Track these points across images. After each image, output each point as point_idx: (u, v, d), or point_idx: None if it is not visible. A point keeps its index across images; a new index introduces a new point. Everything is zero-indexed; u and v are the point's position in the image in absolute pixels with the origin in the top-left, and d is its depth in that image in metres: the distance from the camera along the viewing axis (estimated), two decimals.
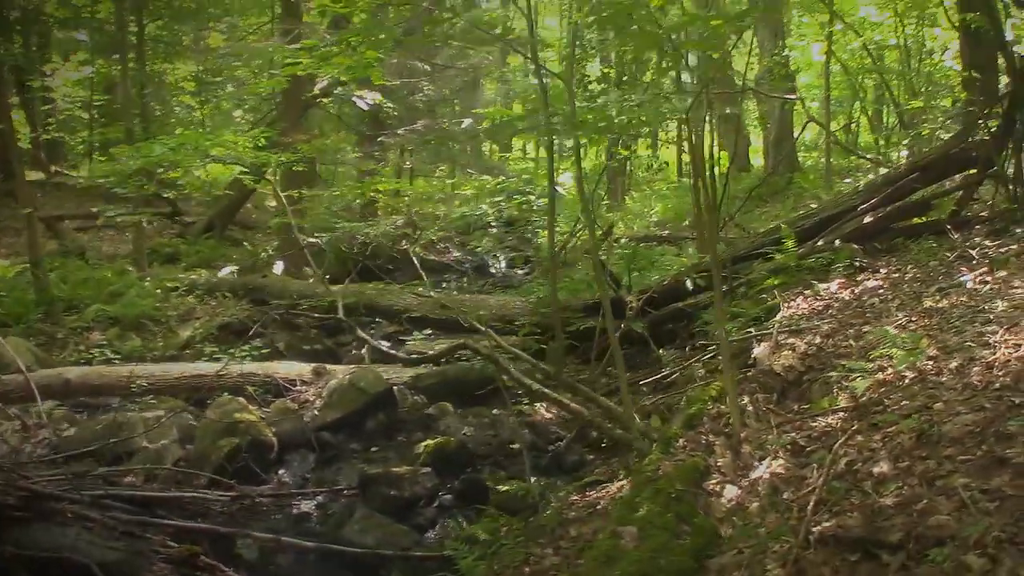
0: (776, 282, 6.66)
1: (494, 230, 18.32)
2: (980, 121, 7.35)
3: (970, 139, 7.31)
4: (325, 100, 13.70)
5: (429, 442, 6.80)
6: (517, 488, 5.57)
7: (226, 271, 12.89)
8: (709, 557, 3.66)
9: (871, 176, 14.25)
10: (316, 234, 11.29)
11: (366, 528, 5.59)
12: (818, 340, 5.44)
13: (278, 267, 13.37)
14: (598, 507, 5.06)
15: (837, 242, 6.93)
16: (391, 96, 13.94)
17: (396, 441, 7.36)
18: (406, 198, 12.22)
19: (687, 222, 15.01)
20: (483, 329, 6.26)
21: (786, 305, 6.29)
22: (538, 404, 7.75)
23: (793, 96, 13.11)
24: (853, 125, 17.94)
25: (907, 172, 7.18)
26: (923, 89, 13.28)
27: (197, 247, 14.29)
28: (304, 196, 11.56)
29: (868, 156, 13.26)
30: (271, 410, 7.75)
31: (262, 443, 6.82)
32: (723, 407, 4.69)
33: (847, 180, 14.87)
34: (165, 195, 14.13)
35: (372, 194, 12.10)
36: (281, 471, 6.84)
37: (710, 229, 7.15)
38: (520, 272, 15.45)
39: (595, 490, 5.39)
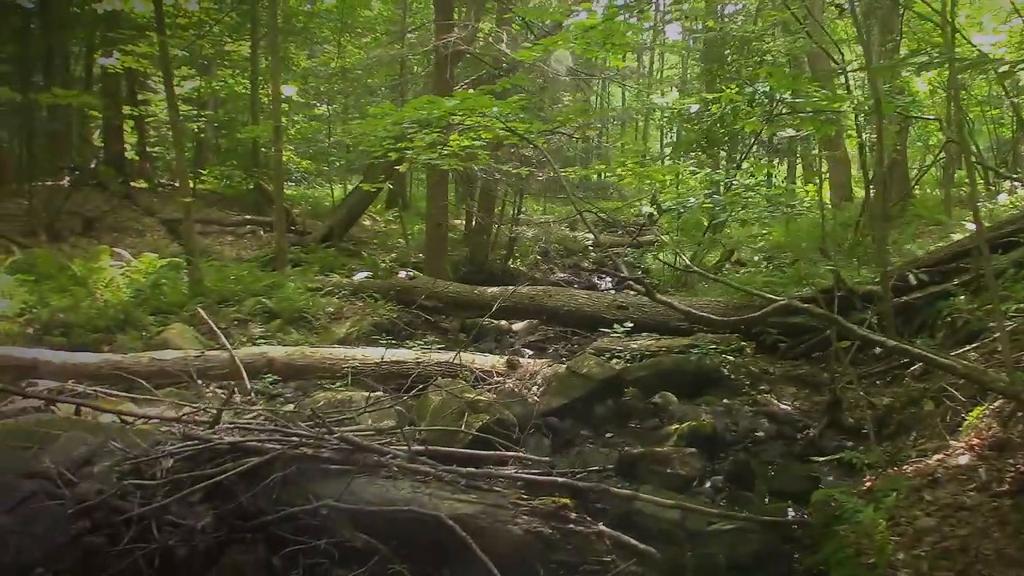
0: None
1: (593, 253, 18.27)
2: None
3: None
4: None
5: (681, 425, 6.57)
6: (851, 456, 5.33)
7: (361, 275, 12.75)
8: None
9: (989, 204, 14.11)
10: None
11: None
12: None
13: (401, 275, 13.24)
14: (936, 475, 4.86)
15: None
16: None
17: (629, 428, 7.08)
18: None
19: (804, 245, 14.71)
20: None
21: None
22: (771, 395, 7.55)
23: (932, 117, 12.96)
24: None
25: None
26: None
27: (318, 255, 14.16)
28: None
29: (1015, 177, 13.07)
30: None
31: (505, 421, 6.58)
32: None
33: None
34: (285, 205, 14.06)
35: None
36: (522, 451, 6.59)
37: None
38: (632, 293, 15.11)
39: (915, 463, 5.17)
